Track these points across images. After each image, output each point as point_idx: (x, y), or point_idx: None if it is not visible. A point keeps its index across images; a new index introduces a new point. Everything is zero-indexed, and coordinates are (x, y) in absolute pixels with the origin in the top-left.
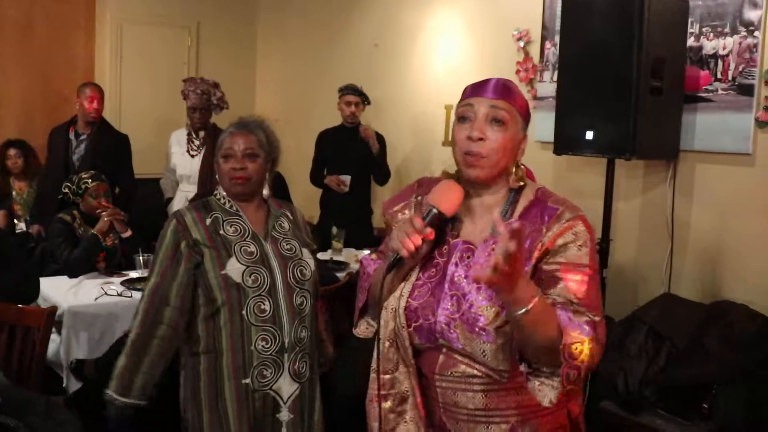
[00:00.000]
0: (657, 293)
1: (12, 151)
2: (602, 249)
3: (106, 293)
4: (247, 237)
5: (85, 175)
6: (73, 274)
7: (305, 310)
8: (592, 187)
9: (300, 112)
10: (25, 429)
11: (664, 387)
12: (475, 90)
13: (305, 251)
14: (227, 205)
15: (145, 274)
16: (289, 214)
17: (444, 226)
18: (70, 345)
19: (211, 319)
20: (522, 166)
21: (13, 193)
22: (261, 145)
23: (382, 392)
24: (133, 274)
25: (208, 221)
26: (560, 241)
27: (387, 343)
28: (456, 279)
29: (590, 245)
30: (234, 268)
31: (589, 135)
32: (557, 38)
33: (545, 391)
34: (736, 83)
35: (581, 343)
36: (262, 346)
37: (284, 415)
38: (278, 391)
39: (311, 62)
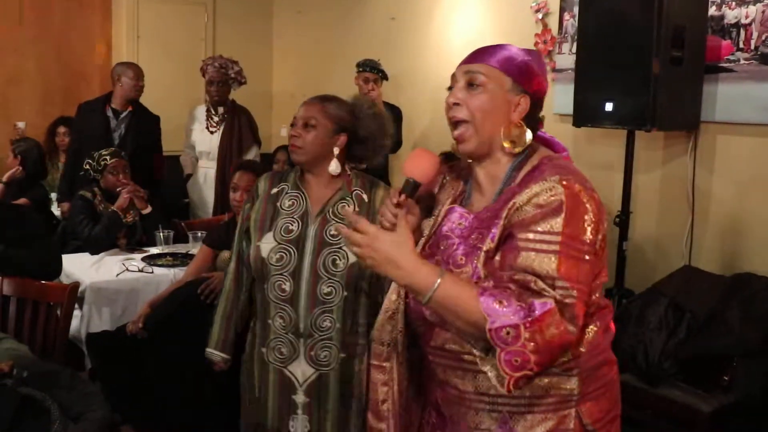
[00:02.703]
0: (677, 266)
1: (62, 129)
2: (622, 221)
3: (127, 269)
4: (296, 214)
5: (105, 152)
6: (94, 251)
7: (333, 300)
8: (611, 159)
9: (317, 86)
10: (51, 401)
11: (684, 359)
12: (462, 61)
13: None
14: (297, 177)
15: (166, 251)
16: (364, 197)
17: (431, 199)
18: (92, 321)
19: (254, 283)
20: (524, 128)
21: (59, 165)
22: (327, 115)
23: (376, 362)
24: (154, 250)
25: (274, 191)
26: (530, 200)
27: (388, 314)
28: (441, 245)
29: (572, 213)
30: (266, 243)
31: (609, 107)
32: (576, 9)
33: (494, 377)
34: (759, 53)
35: (513, 328)
36: (279, 323)
37: (300, 397)
38: (293, 372)
39: (328, 36)
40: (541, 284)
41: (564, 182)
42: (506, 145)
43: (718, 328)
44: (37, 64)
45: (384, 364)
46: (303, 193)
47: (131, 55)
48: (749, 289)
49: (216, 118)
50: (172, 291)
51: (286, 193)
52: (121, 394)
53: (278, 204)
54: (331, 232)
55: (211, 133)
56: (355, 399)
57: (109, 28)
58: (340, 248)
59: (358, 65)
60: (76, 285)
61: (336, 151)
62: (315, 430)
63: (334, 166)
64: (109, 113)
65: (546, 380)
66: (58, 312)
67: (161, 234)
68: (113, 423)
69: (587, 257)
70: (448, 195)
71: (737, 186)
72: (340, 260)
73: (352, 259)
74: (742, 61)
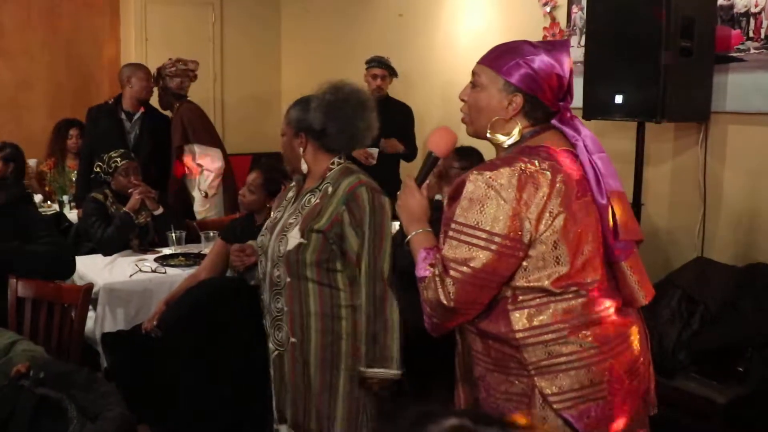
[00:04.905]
0: (690, 257)
1: (74, 131)
2: (633, 213)
3: (140, 270)
4: (285, 204)
5: (115, 154)
6: (107, 252)
7: (281, 284)
8: (622, 151)
9: None
10: (68, 401)
11: (698, 351)
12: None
13: (295, 230)
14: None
15: (178, 251)
16: (330, 189)
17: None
18: (106, 321)
19: None
20: (514, 123)
21: (66, 169)
22: (288, 121)
23: None
24: (167, 251)
25: (292, 184)
26: (451, 192)
27: None
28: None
29: (470, 203)
30: (264, 228)
31: (619, 99)
32: (584, 1)
33: None
34: None
35: (417, 279)
36: (264, 301)
37: (271, 371)
38: (269, 347)
39: (336, 34)
40: (437, 256)
41: (474, 174)
42: (490, 138)
43: (731, 319)
44: (47, 67)
45: None
46: (298, 188)
47: (140, 57)
48: (762, 279)
49: None
50: (186, 290)
51: (292, 187)
52: (136, 393)
53: (285, 199)
54: (290, 221)
55: None
56: (314, 384)
57: (118, 30)
58: (285, 235)
59: (367, 62)
60: (90, 286)
61: (300, 151)
62: (277, 404)
63: (302, 165)
64: (122, 116)
65: (497, 345)
66: (73, 313)
67: (173, 234)
68: (130, 422)
69: (489, 246)
70: None
71: (749, 176)
72: (283, 246)
73: (290, 246)
74: (752, 51)
